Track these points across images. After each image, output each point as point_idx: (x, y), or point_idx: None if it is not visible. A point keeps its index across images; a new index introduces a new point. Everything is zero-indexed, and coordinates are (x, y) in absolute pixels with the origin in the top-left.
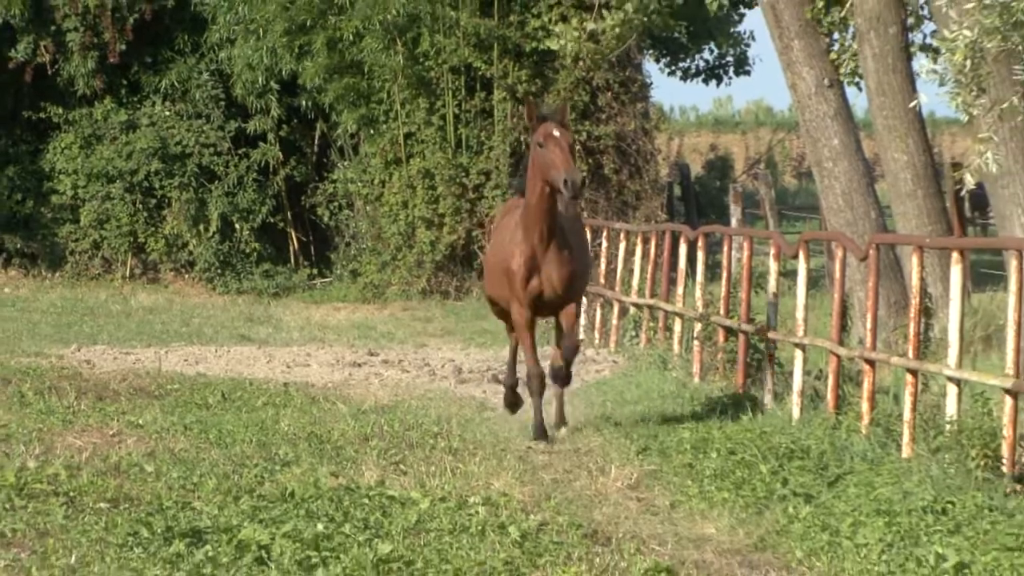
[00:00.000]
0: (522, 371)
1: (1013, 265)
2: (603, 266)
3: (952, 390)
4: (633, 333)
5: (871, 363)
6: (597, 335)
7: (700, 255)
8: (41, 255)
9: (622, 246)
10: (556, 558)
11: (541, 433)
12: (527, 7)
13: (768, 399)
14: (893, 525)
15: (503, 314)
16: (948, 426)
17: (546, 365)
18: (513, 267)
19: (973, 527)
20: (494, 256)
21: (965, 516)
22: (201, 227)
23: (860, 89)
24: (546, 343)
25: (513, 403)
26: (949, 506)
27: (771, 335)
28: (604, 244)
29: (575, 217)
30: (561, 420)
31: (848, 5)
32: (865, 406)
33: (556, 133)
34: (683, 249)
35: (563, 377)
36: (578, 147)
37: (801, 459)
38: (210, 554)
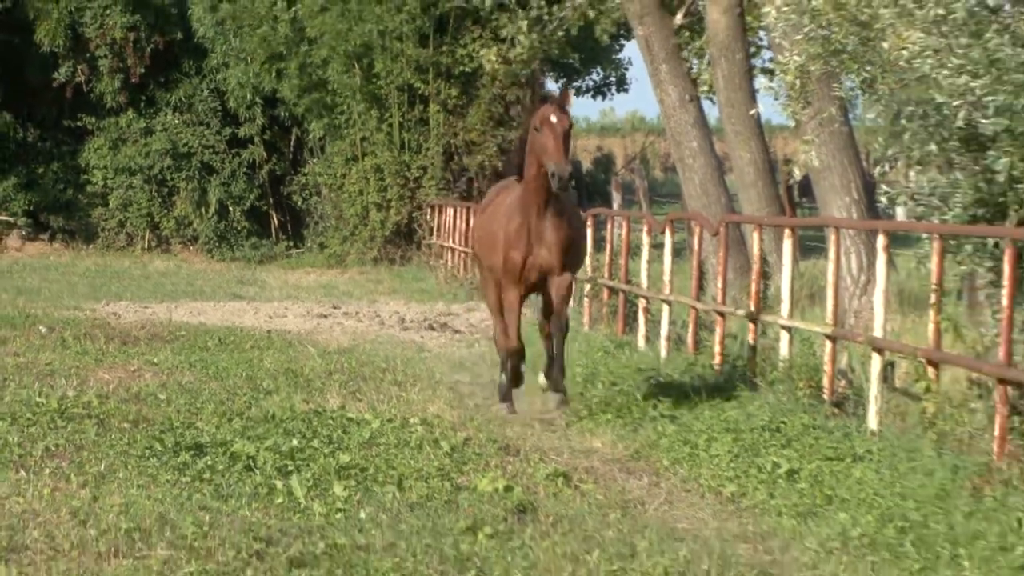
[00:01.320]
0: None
1: (831, 239)
2: None
3: (784, 336)
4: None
5: (722, 315)
6: None
7: (589, 232)
8: (78, 231)
9: None
10: (477, 466)
11: (508, 399)
12: (456, 39)
13: (641, 343)
14: (739, 440)
15: (493, 288)
16: (781, 364)
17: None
18: (510, 249)
19: (801, 441)
20: (489, 229)
21: (794, 433)
22: (203, 210)
23: (713, 102)
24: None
25: (515, 382)
26: (782, 425)
27: (644, 293)
28: None
29: (569, 198)
30: (560, 390)
31: (704, 37)
32: (717, 348)
33: (553, 119)
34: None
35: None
36: (495, 149)
37: (667, 389)
38: (209, 463)
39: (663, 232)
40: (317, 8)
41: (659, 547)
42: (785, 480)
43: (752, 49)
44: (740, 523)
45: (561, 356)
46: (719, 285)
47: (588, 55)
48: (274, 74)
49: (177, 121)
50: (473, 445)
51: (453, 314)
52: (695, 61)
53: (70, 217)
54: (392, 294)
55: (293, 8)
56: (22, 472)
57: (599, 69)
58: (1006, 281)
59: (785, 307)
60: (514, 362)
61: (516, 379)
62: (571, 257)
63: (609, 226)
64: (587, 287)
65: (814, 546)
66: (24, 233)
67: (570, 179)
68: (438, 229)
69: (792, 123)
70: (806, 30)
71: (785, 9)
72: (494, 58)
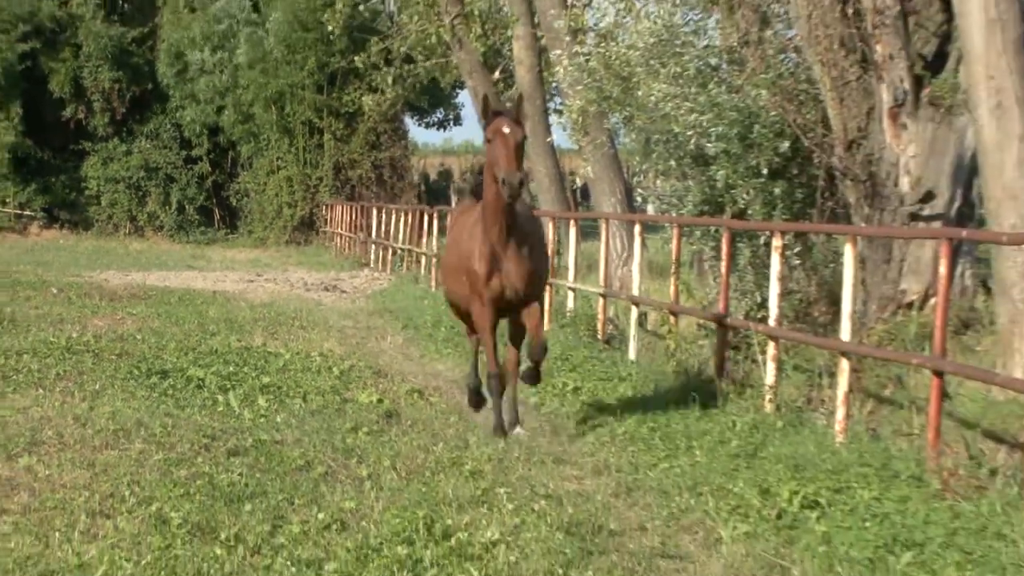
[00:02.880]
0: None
1: (603, 227)
2: (383, 227)
3: (571, 294)
4: (399, 263)
5: None
6: (380, 264)
7: (435, 223)
8: (79, 222)
9: (393, 218)
10: (358, 385)
11: (500, 431)
12: (342, 89)
13: None
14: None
15: (463, 315)
16: (568, 314)
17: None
18: (474, 266)
19: (583, 367)
20: (453, 255)
21: (578, 361)
22: (166, 207)
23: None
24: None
25: (477, 403)
26: (570, 355)
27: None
28: (385, 218)
29: (532, 217)
30: (515, 420)
31: (514, 87)
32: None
33: (505, 130)
34: (426, 219)
35: (533, 377)
36: (369, 164)
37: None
38: (171, 383)
39: None
40: (246, 66)
41: (484, 441)
42: (571, 394)
43: (547, 95)
44: (540, 424)
45: (539, 373)
46: None
47: (434, 99)
48: (216, 111)
49: (148, 145)
50: (355, 370)
51: (341, 279)
52: (509, 104)
53: (74, 212)
54: (298, 266)
55: (231, 64)
56: (40, 390)
57: (442, 109)
58: (723, 256)
59: (571, 274)
60: (494, 386)
61: (481, 401)
62: (538, 286)
63: (449, 219)
64: (433, 260)
65: (592, 440)
66: (41, 224)
67: (520, 186)
68: (330, 221)
69: (576, 147)
70: (584, 83)
71: (570, 68)
72: (370, 102)
